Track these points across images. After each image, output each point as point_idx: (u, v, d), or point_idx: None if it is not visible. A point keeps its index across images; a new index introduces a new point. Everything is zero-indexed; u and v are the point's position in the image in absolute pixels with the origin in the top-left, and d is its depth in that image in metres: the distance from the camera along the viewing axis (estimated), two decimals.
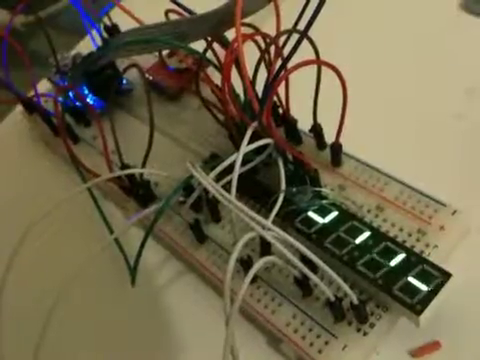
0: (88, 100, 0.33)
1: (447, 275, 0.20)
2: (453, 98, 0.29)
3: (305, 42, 0.22)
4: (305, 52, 0.22)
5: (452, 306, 0.21)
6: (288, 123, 0.27)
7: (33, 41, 0.45)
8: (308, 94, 0.25)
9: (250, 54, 0.23)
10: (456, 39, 0.31)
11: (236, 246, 0.19)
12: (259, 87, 0.23)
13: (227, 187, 0.22)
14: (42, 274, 0.28)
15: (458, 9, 0.33)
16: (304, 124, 0.26)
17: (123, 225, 0.25)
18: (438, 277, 0.20)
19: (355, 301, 0.20)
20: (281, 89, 0.24)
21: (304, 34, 0.20)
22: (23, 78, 0.32)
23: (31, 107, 0.34)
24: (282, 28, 0.24)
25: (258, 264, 0.19)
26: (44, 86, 0.36)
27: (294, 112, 0.27)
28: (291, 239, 0.20)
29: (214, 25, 0.24)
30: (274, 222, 0.22)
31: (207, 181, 0.22)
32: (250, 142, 0.23)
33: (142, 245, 0.23)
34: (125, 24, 0.29)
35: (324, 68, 0.22)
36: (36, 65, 0.33)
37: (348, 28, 0.34)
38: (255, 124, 0.23)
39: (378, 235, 0.22)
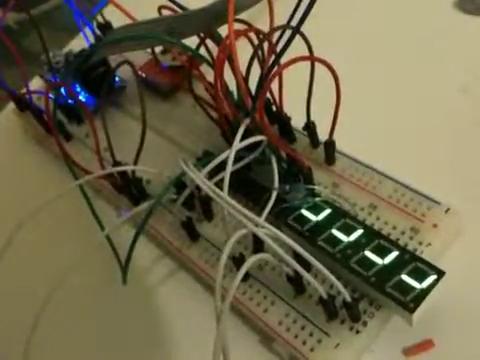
0: (80, 98, 0.33)
1: (440, 273, 0.20)
2: (447, 96, 0.28)
3: (300, 39, 0.22)
4: (300, 50, 0.22)
5: (446, 304, 0.21)
6: (281, 121, 0.27)
7: (26, 39, 0.45)
8: (302, 91, 0.24)
9: (244, 51, 0.23)
10: (450, 38, 0.31)
11: (228, 243, 0.19)
12: (253, 85, 0.23)
13: (220, 184, 0.22)
14: (32, 272, 0.28)
15: (452, 8, 0.33)
16: (298, 122, 0.26)
17: (114, 222, 0.24)
18: (431, 275, 0.20)
19: (348, 299, 0.20)
20: (275, 86, 0.24)
21: (297, 30, 0.20)
22: (16, 76, 0.32)
23: (23, 104, 0.34)
24: (276, 24, 0.24)
25: (250, 261, 0.19)
26: (37, 84, 0.36)
27: (288, 110, 0.26)
28: (284, 236, 0.20)
29: (207, 21, 0.23)
30: (267, 220, 0.21)
31: (199, 178, 0.22)
32: (243, 139, 0.23)
33: (133, 242, 0.23)
34: (118, 22, 0.29)
35: (318, 65, 0.22)
36: (29, 63, 0.33)
37: (342, 26, 0.34)
38: (248, 121, 0.22)
39: (371, 233, 0.22)
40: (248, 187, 0.25)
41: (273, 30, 0.23)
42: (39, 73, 0.35)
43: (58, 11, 0.45)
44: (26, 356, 0.21)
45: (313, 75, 0.24)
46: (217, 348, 0.17)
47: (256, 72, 0.23)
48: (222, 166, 0.22)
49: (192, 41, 0.25)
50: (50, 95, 0.26)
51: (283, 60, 0.21)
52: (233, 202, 0.20)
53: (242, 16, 0.24)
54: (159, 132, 0.30)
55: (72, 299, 0.25)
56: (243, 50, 0.23)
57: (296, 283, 0.22)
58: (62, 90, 0.31)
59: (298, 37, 0.22)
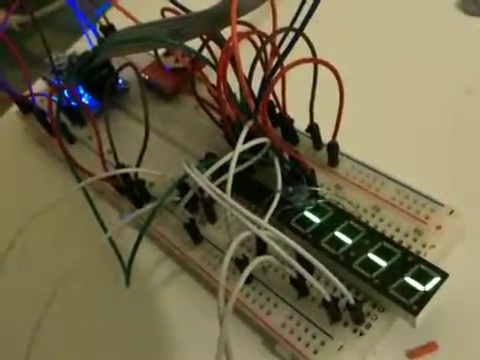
0: (83, 100, 0.33)
1: (444, 275, 0.20)
2: (451, 98, 0.28)
3: (303, 41, 0.22)
4: (303, 52, 0.22)
5: (449, 306, 0.21)
6: (285, 122, 0.27)
7: (29, 41, 0.45)
8: (305, 94, 0.24)
9: (247, 53, 0.23)
10: (453, 39, 0.31)
11: (231, 245, 0.19)
12: (256, 87, 0.23)
13: (223, 187, 0.22)
14: (35, 274, 0.28)
15: (455, 9, 0.33)
16: (301, 124, 0.26)
17: (117, 225, 0.24)
18: (435, 277, 0.20)
19: (351, 301, 0.20)
20: (278, 89, 0.24)
21: (299, 32, 0.20)
22: (19, 78, 0.32)
23: (26, 107, 0.34)
24: (279, 27, 0.24)
25: (253, 263, 0.19)
26: (40, 86, 0.36)
27: (291, 112, 0.26)
28: (287, 239, 0.20)
29: (210, 23, 0.23)
30: (270, 222, 0.21)
31: (202, 180, 0.22)
32: (246, 142, 0.23)
33: (136, 244, 0.23)
34: (121, 24, 0.29)
35: (321, 67, 0.22)
36: (32, 65, 0.33)
37: (345, 28, 0.34)
38: (251, 123, 0.22)
39: (374, 235, 0.22)
40: (251, 189, 0.25)
41: (276, 32, 0.23)
42: (42, 75, 0.35)
43: (61, 13, 0.45)
44: (28, 357, 0.21)
45: (316, 77, 0.24)
46: (220, 350, 0.17)
47: (259, 74, 0.23)
48: (225, 168, 0.22)
49: (195, 43, 0.25)
50: (53, 97, 0.26)
51: (286, 62, 0.21)
52: (236, 204, 0.20)
53: (245, 18, 0.24)
54: (162, 134, 0.31)
55: (75, 301, 0.25)
56: (246, 52, 0.23)
57: (299, 285, 0.22)
58: (65, 92, 0.31)
59: (301, 39, 0.22)
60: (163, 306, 0.25)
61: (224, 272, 0.18)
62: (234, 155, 0.22)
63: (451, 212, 0.22)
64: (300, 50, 0.21)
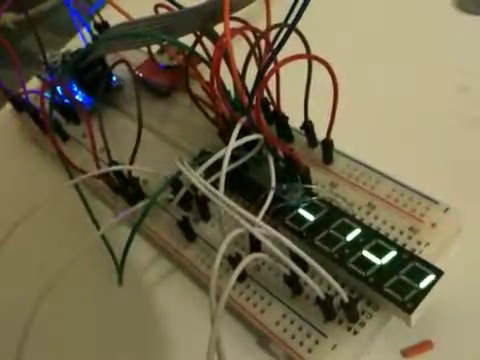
0: (77, 97, 0.32)
1: (439, 273, 0.20)
2: (446, 95, 0.28)
3: (298, 40, 0.22)
4: (298, 50, 0.22)
5: (444, 304, 0.21)
6: (279, 120, 0.26)
7: (25, 40, 0.45)
8: (299, 91, 0.24)
9: (242, 50, 0.23)
10: (450, 37, 0.31)
11: (223, 242, 0.18)
12: (250, 84, 0.23)
13: (216, 184, 0.22)
14: (28, 271, 0.27)
15: (452, 7, 0.33)
16: (295, 121, 0.26)
17: (110, 222, 0.24)
18: (430, 275, 0.20)
19: (345, 299, 0.20)
20: (272, 86, 0.24)
21: (292, 27, 0.20)
22: (14, 77, 0.32)
23: (19, 105, 0.34)
24: (273, 23, 0.24)
25: (246, 260, 0.19)
26: (35, 85, 0.36)
27: (285, 109, 0.26)
28: (281, 236, 0.19)
29: (203, 19, 0.23)
30: (264, 219, 0.21)
31: (195, 177, 0.21)
32: (240, 138, 0.22)
33: (129, 242, 0.22)
34: (115, 22, 0.29)
35: (316, 64, 0.22)
36: (28, 64, 0.33)
37: (342, 25, 0.34)
38: (244, 119, 0.22)
39: (369, 232, 0.22)
40: (245, 187, 0.25)
41: (270, 28, 0.23)
42: (37, 73, 0.35)
43: (56, 11, 0.45)
44: (20, 355, 0.20)
45: (310, 73, 0.24)
46: (211, 347, 0.16)
47: (253, 72, 0.23)
48: (219, 165, 0.22)
49: (188, 40, 0.25)
50: (46, 94, 0.26)
51: (281, 60, 0.21)
52: (229, 201, 0.20)
53: (239, 14, 0.24)
54: (156, 132, 0.30)
55: (67, 299, 0.25)
56: (240, 49, 0.22)
57: (293, 283, 0.21)
58: (58, 89, 0.31)
59: (296, 38, 0.22)
60: (156, 304, 0.25)
61: (216, 269, 0.18)
62: (227, 152, 0.22)
63: (446, 210, 0.22)
64: (295, 49, 0.21)
